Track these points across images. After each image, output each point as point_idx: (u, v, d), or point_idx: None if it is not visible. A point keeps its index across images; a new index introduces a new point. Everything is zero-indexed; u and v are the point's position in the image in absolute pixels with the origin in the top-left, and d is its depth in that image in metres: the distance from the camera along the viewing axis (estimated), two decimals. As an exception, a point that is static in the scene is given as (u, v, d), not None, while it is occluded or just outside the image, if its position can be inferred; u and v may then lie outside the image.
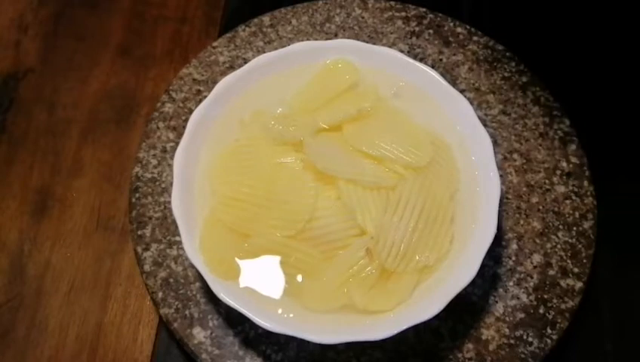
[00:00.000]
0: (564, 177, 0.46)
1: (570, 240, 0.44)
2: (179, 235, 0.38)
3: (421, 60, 0.50)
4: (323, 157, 0.40)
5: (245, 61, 0.48)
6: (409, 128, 0.42)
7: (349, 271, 0.38)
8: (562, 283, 0.42)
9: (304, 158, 0.41)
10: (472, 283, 0.37)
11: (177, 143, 0.41)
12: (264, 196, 0.40)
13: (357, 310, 0.37)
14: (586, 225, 0.44)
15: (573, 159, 0.47)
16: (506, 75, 0.50)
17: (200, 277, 0.42)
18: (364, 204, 0.39)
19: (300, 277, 0.38)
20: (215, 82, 0.44)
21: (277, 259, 0.38)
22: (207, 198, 0.41)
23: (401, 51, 0.48)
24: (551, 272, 0.43)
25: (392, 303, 0.37)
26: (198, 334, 0.41)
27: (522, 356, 0.40)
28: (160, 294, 0.42)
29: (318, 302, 0.37)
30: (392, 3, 0.54)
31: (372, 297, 0.37)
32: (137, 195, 0.45)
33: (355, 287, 0.37)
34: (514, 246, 0.44)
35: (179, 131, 0.48)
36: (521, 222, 0.44)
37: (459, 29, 0.52)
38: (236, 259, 0.38)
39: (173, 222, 0.40)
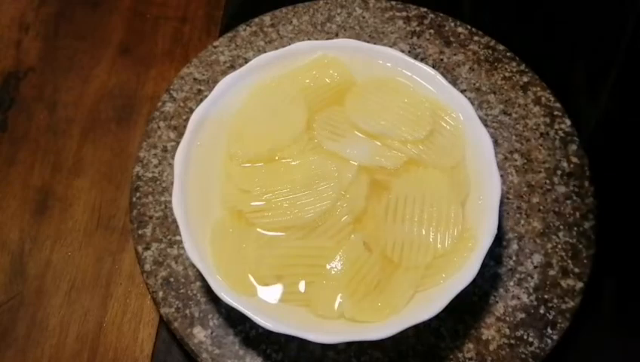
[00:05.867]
0: (565, 177, 0.46)
1: (570, 241, 0.44)
2: (179, 235, 0.39)
3: (422, 60, 0.50)
4: (330, 140, 0.41)
5: (246, 60, 0.48)
6: (410, 101, 0.43)
7: (351, 270, 0.38)
8: (563, 283, 0.42)
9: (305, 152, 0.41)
10: (473, 283, 0.37)
11: (178, 143, 0.41)
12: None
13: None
14: (587, 225, 0.44)
15: (574, 159, 0.47)
16: (506, 75, 0.50)
17: (200, 277, 0.42)
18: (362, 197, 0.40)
19: (302, 282, 0.38)
20: (216, 82, 0.44)
21: (283, 261, 0.38)
22: (208, 198, 0.41)
23: (402, 51, 0.48)
24: (551, 272, 0.43)
25: (383, 315, 0.37)
26: (199, 333, 0.41)
27: (523, 356, 0.40)
28: (160, 293, 0.42)
29: (326, 309, 0.37)
30: (393, 3, 0.54)
31: (362, 309, 0.37)
32: (138, 195, 0.45)
33: (348, 296, 0.37)
34: (514, 246, 0.44)
35: (180, 131, 0.48)
36: (522, 222, 0.44)
37: (460, 29, 0.52)
38: (245, 264, 0.38)
39: (174, 221, 0.40)
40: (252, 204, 0.40)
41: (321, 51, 0.45)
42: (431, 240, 0.39)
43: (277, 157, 0.41)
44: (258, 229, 0.39)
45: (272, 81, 0.44)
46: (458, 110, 0.43)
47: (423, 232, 0.39)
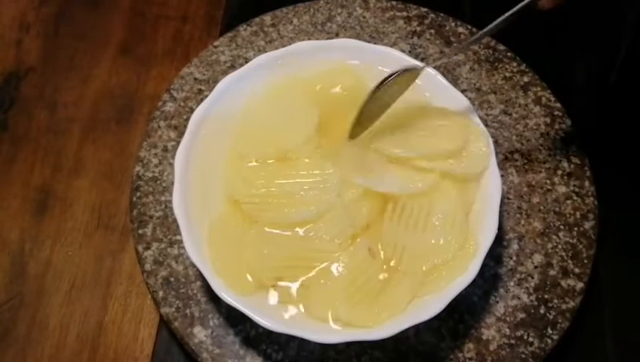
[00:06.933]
0: (565, 177, 0.46)
1: (571, 241, 0.44)
2: (180, 234, 0.39)
3: (422, 60, 0.50)
4: (348, 166, 0.41)
5: (246, 60, 0.48)
6: (427, 120, 0.42)
7: (351, 274, 0.38)
8: (563, 283, 0.42)
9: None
10: (473, 283, 0.37)
11: (178, 142, 0.41)
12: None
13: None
14: (587, 225, 0.44)
15: (574, 159, 0.47)
16: (507, 75, 0.50)
17: (200, 276, 0.42)
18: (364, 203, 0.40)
19: (301, 283, 0.38)
20: (216, 81, 0.44)
21: (284, 261, 0.38)
22: (208, 197, 0.41)
23: (403, 51, 0.48)
24: (552, 272, 0.43)
25: (379, 319, 0.37)
26: (199, 333, 0.41)
27: (523, 356, 0.40)
28: (161, 293, 0.42)
29: (323, 312, 0.37)
30: (394, 3, 0.54)
31: (358, 313, 0.37)
32: (138, 194, 0.45)
33: (345, 300, 0.37)
34: (515, 246, 0.44)
35: (180, 130, 0.48)
36: (522, 222, 0.44)
37: (460, 29, 0.52)
38: (245, 264, 0.38)
39: (174, 221, 0.40)
40: (254, 201, 0.40)
41: (321, 51, 0.45)
42: (434, 248, 0.38)
43: (283, 159, 0.41)
44: (258, 228, 0.39)
45: (283, 82, 0.44)
46: (458, 110, 0.43)
47: (427, 240, 0.39)
